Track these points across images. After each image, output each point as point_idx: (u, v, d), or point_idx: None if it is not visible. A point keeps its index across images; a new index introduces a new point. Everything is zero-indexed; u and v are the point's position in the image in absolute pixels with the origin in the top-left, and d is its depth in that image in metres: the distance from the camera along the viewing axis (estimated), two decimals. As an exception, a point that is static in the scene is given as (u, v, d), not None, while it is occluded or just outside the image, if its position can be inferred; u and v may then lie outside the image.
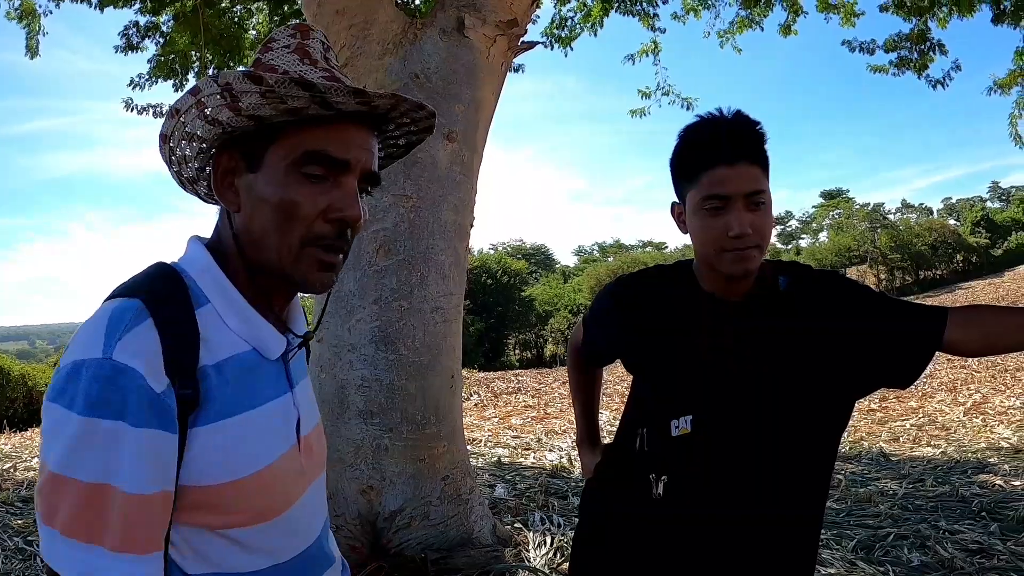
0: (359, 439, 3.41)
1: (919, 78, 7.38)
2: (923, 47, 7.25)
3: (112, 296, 0.88)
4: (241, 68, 0.90)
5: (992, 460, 6.26)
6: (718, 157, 1.34)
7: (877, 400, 10.64)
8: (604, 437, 1.95)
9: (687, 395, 1.45)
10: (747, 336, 1.44)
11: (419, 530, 3.40)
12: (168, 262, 0.95)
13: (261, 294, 0.97)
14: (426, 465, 3.44)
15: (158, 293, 0.87)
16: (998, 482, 5.30)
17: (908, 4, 7.01)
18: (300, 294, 1.07)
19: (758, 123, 1.39)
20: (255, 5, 7.75)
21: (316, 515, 1.07)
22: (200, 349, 0.87)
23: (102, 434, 0.78)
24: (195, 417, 0.86)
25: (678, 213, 1.48)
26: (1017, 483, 5.21)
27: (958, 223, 60.91)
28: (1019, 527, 4.15)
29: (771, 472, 1.43)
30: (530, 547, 3.73)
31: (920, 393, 11.63)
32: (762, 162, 1.38)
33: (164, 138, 0.96)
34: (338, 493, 3.41)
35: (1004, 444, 7.09)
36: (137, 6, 7.20)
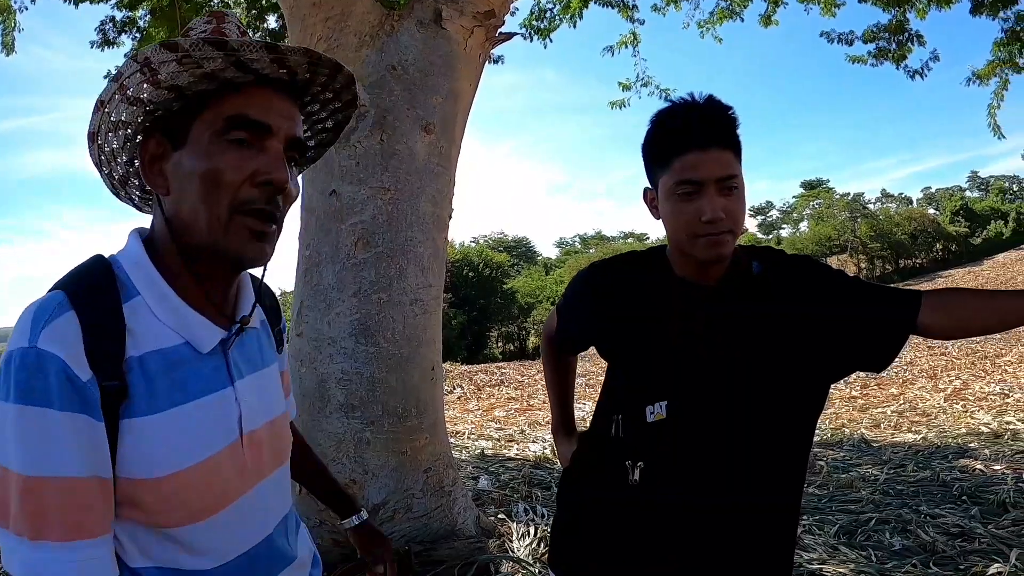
0: (340, 433, 3.39)
1: (897, 69, 7.44)
2: (901, 38, 7.28)
3: (50, 288, 0.89)
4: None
5: (972, 445, 6.34)
6: (690, 142, 1.33)
7: (858, 387, 10.76)
8: (582, 426, 1.95)
9: (661, 381, 1.45)
10: (721, 321, 1.44)
11: (403, 523, 3.39)
12: (106, 255, 0.94)
13: (196, 284, 0.95)
14: (408, 458, 3.43)
15: (83, 286, 0.87)
16: (978, 466, 5.38)
17: (887, -6, 7.06)
18: (250, 280, 1.06)
19: (730, 108, 1.39)
20: (232, -1, 7.68)
21: (267, 513, 1.03)
22: (126, 341, 0.86)
23: (34, 421, 0.80)
24: (124, 408, 0.85)
25: (651, 199, 1.47)
26: (997, 467, 5.28)
27: (937, 212, 61.59)
28: (999, 510, 4.21)
29: (747, 457, 1.43)
30: (514, 538, 3.74)
31: (901, 380, 11.77)
32: (734, 147, 1.37)
33: (92, 136, 0.94)
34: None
35: (984, 429, 7.19)
36: (114, 1, 7.11)
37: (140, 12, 7.39)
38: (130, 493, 0.87)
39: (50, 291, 0.87)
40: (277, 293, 1.17)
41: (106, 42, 7.46)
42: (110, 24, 7.43)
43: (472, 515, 3.73)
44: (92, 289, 0.87)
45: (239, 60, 0.86)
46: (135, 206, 1.07)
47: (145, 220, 1.02)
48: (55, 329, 0.82)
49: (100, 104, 0.91)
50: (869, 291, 1.48)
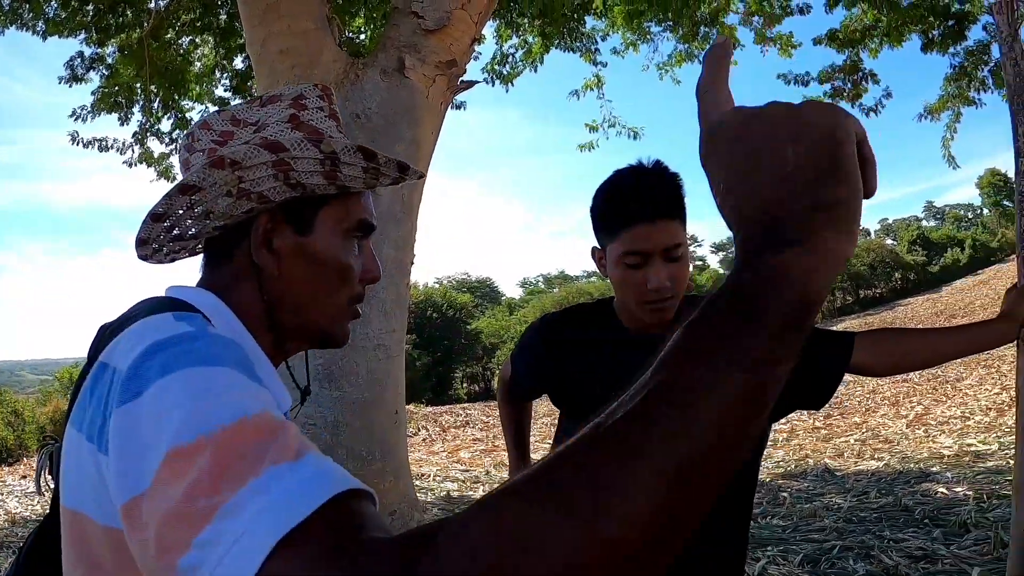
0: (307, 478, 3.39)
1: (853, 107, 7.71)
2: (856, 77, 7.58)
3: (142, 316, 0.76)
4: (277, 115, 0.86)
5: (935, 469, 6.44)
6: (638, 215, 1.39)
7: (822, 418, 10.87)
8: None
9: None
10: None
11: (370, 567, 3.38)
12: (173, 296, 0.87)
13: (276, 357, 0.94)
14: (374, 501, 3.44)
15: (206, 317, 0.80)
16: (941, 490, 5.45)
17: (841, 36, 7.34)
18: None
19: (677, 175, 1.45)
20: (201, 38, 7.73)
21: None
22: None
23: (225, 377, 0.63)
24: None
25: (599, 258, 1.54)
26: (959, 489, 5.36)
27: (895, 242, 62.91)
28: (962, 532, 4.27)
29: None
30: (481, 579, 3.72)
31: (864, 408, 11.94)
32: (680, 215, 1.43)
33: (189, 189, 0.85)
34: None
35: (946, 452, 7.30)
36: (83, 36, 7.13)
37: (109, 49, 7.41)
38: None
39: (171, 312, 0.75)
40: None
41: (74, 78, 7.47)
42: (79, 59, 7.43)
43: (440, 557, 3.73)
44: (223, 324, 0.83)
45: (396, 179, 0.95)
46: (156, 262, 1.01)
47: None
48: (217, 334, 0.72)
49: (232, 163, 0.83)
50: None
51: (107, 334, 0.78)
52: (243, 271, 0.90)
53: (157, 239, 0.93)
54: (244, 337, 0.86)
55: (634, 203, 1.40)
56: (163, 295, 0.87)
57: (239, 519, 0.49)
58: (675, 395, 0.41)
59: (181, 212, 0.88)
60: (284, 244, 0.90)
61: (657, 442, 0.39)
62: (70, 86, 7.54)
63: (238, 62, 7.79)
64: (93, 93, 7.57)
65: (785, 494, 5.71)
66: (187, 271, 1.25)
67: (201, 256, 0.98)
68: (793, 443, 9.07)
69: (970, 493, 5.14)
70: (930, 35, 7.20)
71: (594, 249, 1.56)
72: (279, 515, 0.48)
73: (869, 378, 14.58)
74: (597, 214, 1.50)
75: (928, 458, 7.15)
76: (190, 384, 0.61)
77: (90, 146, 7.70)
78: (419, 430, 13.06)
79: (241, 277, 0.90)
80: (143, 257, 0.98)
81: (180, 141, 0.97)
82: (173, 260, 1.02)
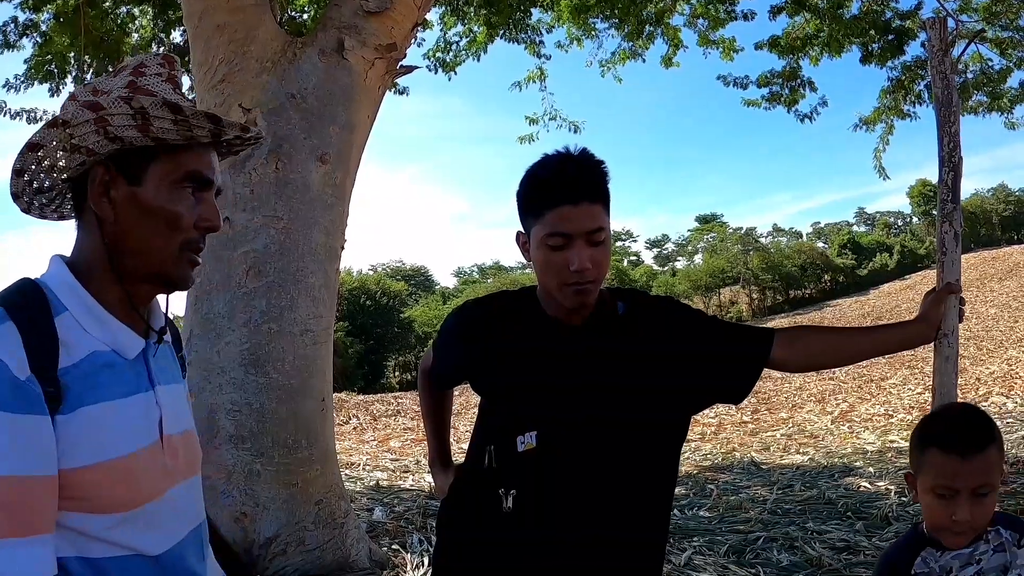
0: (230, 464, 3.30)
1: (788, 112, 7.90)
2: (794, 83, 7.75)
3: None
4: (120, 83, 1.03)
5: (858, 464, 6.67)
6: (562, 197, 1.40)
7: (749, 412, 11.19)
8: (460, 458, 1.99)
9: (531, 412, 1.51)
10: (587, 357, 1.52)
11: (295, 556, 3.32)
12: (32, 278, 1.03)
13: (124, 299, 1.06)
14: (299, 490, 3.37)
15: (17, 302, 0.95)
16: (863, 484, 5.63)
17: (782, 43, 7.50)
18: (158, 303, 1.17)
19: (602, 163, 1.47)
20: (139, 8, 7.46)
21: (183, 517, 1.12)
22: (60, 352, 0.95)
23: None
24: (57, 409, 0.93)
25: (523, 243, 1.54)
26: (881, 484, 5.53)
27: (826, 246, 65.06)
28: (883, 524, 4.42)
29: (612, 488, 1.50)
30: (408, 569, 3.70)
31: (791, 404, 12.32)
32: (604, 200, 1.45)
33: (34, 147, 1.02)
34: (212, 521, 3.28)
35: (869, 448, 7.58)
36: (17, 1, 6.81)
37: (44, 15, 7.10)
38: (65, 482, 0.93)
39: None
40: (171, 316, 1.23)
41: (6, 44, 7.13)
42: (12, 25, 7.10)
43: (365, 547, 3.69)
44: (26, 305, 0.95)
45: (216, 131, 1.05)
46: (48, 218, 1.17)
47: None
48: None
49: (64, 123, 0.99)
50: (726, 329, 1.62)
51: None
52: (91, 222, 1.05)
53: (24, 193, 1.09)
54: (79, 296, 1.01)
55: (559, 185, 1.41)
56: (22, 278, 1.02)
57: None
58: None
59: (34, 167, 1.05)
60: (119, 194, 1.03)
61: None
62: (1, 52, 7.22)
63: (176, 35, 7.55)
64: (26, 61, 7.26)
65: (712, 486, 5.84)
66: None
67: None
68: (721, 436, 9.29)
69: (892, 487, 5.31)
70: (870, 48, 7.40)
71: (519, 234, 1.56)
72: None
73: (796, 375, 15.05)
74: (522, 197, 1.50)
75: (852, 453, 7.41)
76: None
77: (18, 117, 7.36)
78: (350, 419, 12.94)
79: (90, 228, 1.05)
80: (25, 211, 1.13)
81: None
82: (62, 216, 1.16)
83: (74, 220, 1.12)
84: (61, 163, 1.03)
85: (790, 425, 10.07)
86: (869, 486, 5.55)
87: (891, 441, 7.92)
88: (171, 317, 1.28)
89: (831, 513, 4.84)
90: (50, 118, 1.03)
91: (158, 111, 0.99)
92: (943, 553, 1.41)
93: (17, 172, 1.05)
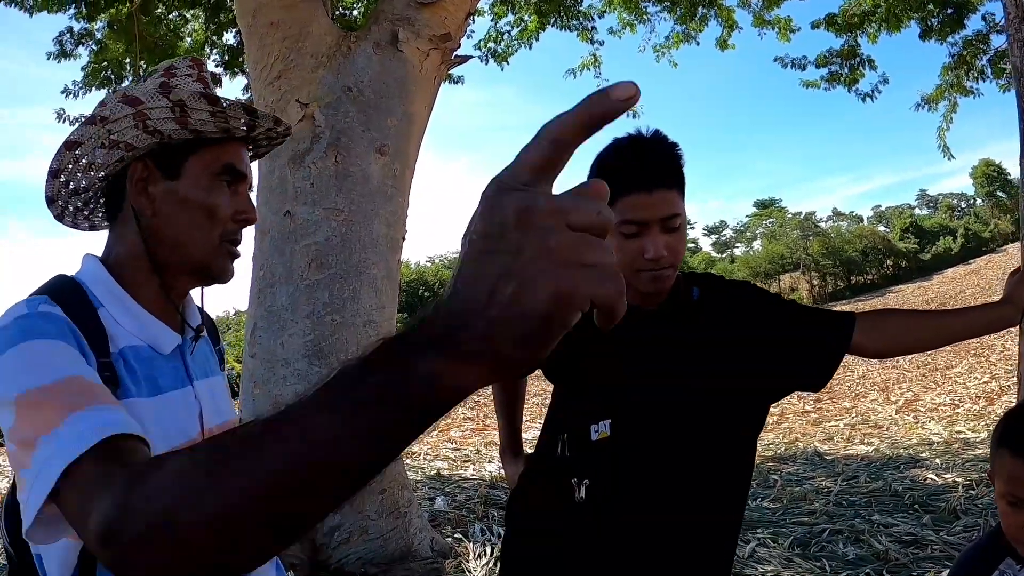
0: (295, 456, 3.36)
1: (849, 92, 7.67)
2: (853, 62, 7.52)
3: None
4: (151, 86, 1.04)
5: (924, 455, 6.49)
6: (636, 184, 1.36)
7: (812, 401, 10.95)
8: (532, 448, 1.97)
9: (605, 400, 1.48)
10: (662, 344, 1.48)
11: (358, 545, 3.37)
12: (67, 274, 1.04)
13: (160, 296, 1.07)
14: (363, 480, 3.41)
15: (60, 293, 0.96)
16: (930, 476, 5.49)
17: (839, 21, 7.28)
18: (193, 298, 1.18)
19: (676, 146, 1.42)
20: (191, 13, 7.63)
21: None
22: (108, 342, 0.96)
23: (47, 346, 0.85)
24: (118, 393, 0.93)
25: None
26: (948, 476, 5.40)
27: (888, 230, 63.13)
28: (951, 518, 4.30)
29: (688, 476, 1.47)
30: (470, 558, 3.72)
31: (854, 393, 12.02)
32: (679, 186, 1.40)
33: (72, 145, 1.02)
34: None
35: (935, 439, 7.36)
36: (72, 11, 7.02)
37: (98, 24, 7.30)
38: None
39: (25, 298, 0.93)
40: (231, 313, 1.23)
41: (63, 53, 7.37)
42: (68, 35, 7.33)
43: (427, 536, 3.72)
44: (70, 297, 0.96)
45: (252, 124, 1.07)
46: (79, 228, 1.18)
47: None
48: (50, 306, 0.91)
49: (102, 119, 1.00)
50: (806, 314, 1.55)
51: None
52: (128, 220, 1.05)
53: (60, 195, 1.09)
54: (114, 293, 1.02)
55: (631, 171, 1.37)
56: (57, 275, 1.04)
57: (43, 453, 0.73)
58: (293, 418, 0.48)
59: (71, 167, 1.05)
60: (157, 189, 1.04)
61: (275, 446, 0.48)
62: (59, 62, 7.44)
63: (228, 37, 7.69)
64: (83, 68, 7.47)
65: (775, 477, 5.74)
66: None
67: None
68: (783, 426, 9.12)
69: (959, 480, 5.17)
70: (929, 22, 7.15)
71: None
72: (64, 454, 0.70)
73: (859, 363, 14.68)
74: None
75: (917, 444, 7.21)
76: (21, 354, 0.84)
77: (76, 122, 7.58)
78: (408, 409, 13.02)
79: (127, 226, 1.06)
80: (58, 217, 1.14)
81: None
82: (93, 226, 1.18)
83: (106, 224, 1.13)
84: (99, 160, 1.03)
85: (853, 415, 9.83)
86: (936, 478, 5.41)
87: (958, 432, 7.67)
88: (205, 311, 1.29)
89: (897, 506, 4.73)
90: (87, 116, 1.01)
91: (196, 103, 1.00)
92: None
93: (53, 173, 1.05)
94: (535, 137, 0.46)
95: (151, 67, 7.36)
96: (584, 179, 1.46)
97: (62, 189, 1.08)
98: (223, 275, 1.10)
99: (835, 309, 1.65)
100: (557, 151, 0.46)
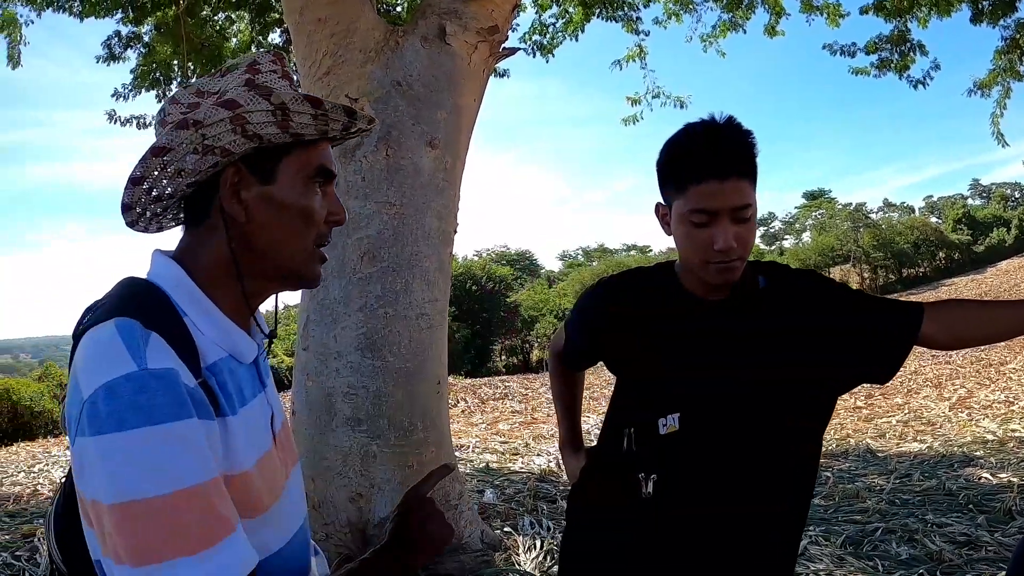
0: (347, 447, 3.40)
1: (900, 79, 7.45)
2: (904, 48, 7.31)
3: (98, 319, 0.89)
4: (234, 82, 1.01)
5: (978, 454, 6.33)
6: (709, 172, 1.32)
7: (863, 397, 10.73)
8: (589, 441, 1.96)
9: (673, 393, 1.46)
10: (730, 335, 1.46)
11: (409, 536, 3.39)
12: (143, 278, 0.99)
13: (241, 303, 1.03)
14: (414, 471, 3.43)
15: (149, 309, 0.91)
16: (984, 475, 5.37)
17: (888, 6, 7.08)
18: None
19: (750, 133, 1.38)
20: (236, 14, 7.74)
21: (297, 508, 1.12)
22: (199, 354, 0.93)
23: (168, 437, 0.80)
24: (217, 411, 0.92)
25: (662, 214, 1.47)
26: (1003, 475, 5.27)
27: (940, 221, 61.40)
28: (1006, 519, 4.20)
29: (759, 467, 1.45)
30: (520, 551, 3.73)
31: (906, 389, 11.75)
32: (751, 175, 1.37)
33: (160, 151, 0.96)
34: (327, 501, 3.40)
35: (989, 437, 7.16)
36: (119, 16, 7.18)
37: (145, 27, 7.46)
38: None
39: (115, 319, 0.87)
40: (281, 307, 1.24)
41: (112, 57, 7.54)
42: (116, 39, 7.50)
43: (478, 529, 3.74)
44: (160, 312, 0.92)
45: (347, 126, 1.04)
46: (148, 231, 1.12)
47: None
48: (156, 347, 0.85)
49: (195, 123, 0.95)
50: (873, 304, 1.51)
51: (87, 318, 0.92)
52: (215, 226, 1.00)
53: (139, 203, 1.02)
54: (197, 300, 0.97)
55: (706, 159, 1.33)
56: (130, 278, 0.99)
57: None
58: None
59: (156, 173, 0.98)
60: (250, 194, 1.00)
61: None
62: (108, 65, 7.60)
63: (274, 37, 7.79)
64: (132, 71, 7.64)
65: (827, 473, 5.64)
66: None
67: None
68: (834, 422, 8.93)
69: (1015, 480, 5.05)
70: (980, 5, 6.92)
71: (658, 205, 1.49)
72: None
73: (912, 358, 14.29)
74: (665, 169, 1.43)
75: (971, 442, 7.03)
76: (136, 448, 0.78)
77: (128, 124, 7.75)
78: (458, 402, 13.16)
79: (213, 232, 1.01)
80: (130, 224, 1.07)
81: (154, 118, 1.06)
82: (160, 229, 1.12)
83: (173, 225, 1.10)
84: (190, 166, 0.97)
85: (906, 411, 9.60)
86: (991, 477, 5.28)
87: (1013, 430, 7.44)
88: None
89: (951, 505, 4.62)
90: (178, 120, 0.96)
91: (298, 106, 0.97)
92: None
93: (135, 180, 0.98)
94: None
95: (199, 68, 7.51)
96: (654, 161, 1.44)
97: (143, 196, 1.01)
98: (315, 279, 1.07)
99: (902, 299, 1.60)
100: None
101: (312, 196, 1.02)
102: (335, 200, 1.06)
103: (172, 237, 1.08)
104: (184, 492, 0.79)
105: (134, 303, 0.91)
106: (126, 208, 1.03)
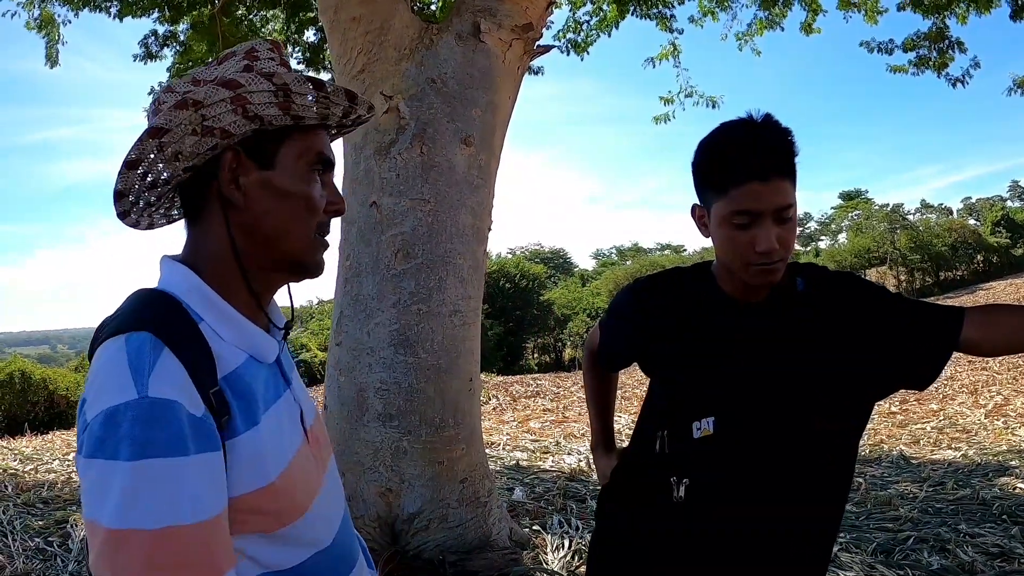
0: (378, 442, 3.43)
1: (939, 77, 7.29)
2: (942, 45, 7.16)
3: (111, 333, 0.87)
4: (233, 68, 0.98)
5: (1014, 463, 6.18)
6: (750, 173, 1.30)
7: (897, 403, 10.53)
8: (620, 442, 1.95)
9: (708, 396, 1.45)
10: (766, 337, 1.44)
11: (437, 532, 3.42)
12: (156, 288, 0.96)
13: (251, 297, 1.00)
14: (444, 468, 3.45)
15: (163, 320, 0.88)
16: (1020, 485, 5.24)
17: (926, 2, 6.94)
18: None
19: (789, 132, 1.35)
20: (271, 12, 7.82)
21: (338, 497, 1.12)
22: (216, 365, 0.90)
23: (158, 474, 0.77)
24: (228, 430, 0.88)
25: (700, 216, 1.45)
26: (1039, 486, 5.14)
27: (978, 223, 60.10)
28: (1041, 531, 4.09)
29: (793, 471, 1.43)
30: (548, 550, 3.73)
31: (941, 395, 11.51)
32: (792, 174, 1.34)
33: (158, 132, 0.92)
34: (357, 495, 3.43)
35: (1025, 447, 7.00)
36: (156, 15, 7.29)
37: (182, 26, 7.57)
38: (251, 505, 0.89)
39: (122, 333, 0.86)
40: (313, 302, 1.23)
41: (149, 55, 7.68)
42: (152, 37, 7.62)
43: (506, 526, 3.74)
44: (174, 323, 0.89)
45: (348, 109, 1.02)
46: (138, 227, 1.08)
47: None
48: (162, 371, 0.82)
49: (195, 103, 0.91)
50: (912, 308, 1.47)
51: (100, 335, 0.89)
52: (214, 217, 0.97)
53: (133, 189, 0.97)
54: (212, 301, 0.94)
55: (747, 160, 1.30)
56: (142, 289, 0.96)
57: None
58: None
59: (152, 156, 0.93)
60: (249, 180, 0.96)
61: None
62: (145, 64, 7.74)
63: (309, 35, 7.86)
64: (168, 70, 7.76)
65: (860, 480, 5.56)
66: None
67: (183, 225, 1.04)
68: (868, 427, 8.78)
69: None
70: (1020, 1, 6.74)
71: (695, 207, 1.46)
72: None
73: (948, 364, 13.94)
74: (703, 170, 1.40)
75: (1007, 451, 6.86)
76: (126, 480, 0.76)
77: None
78: (490, 399, 13.17)
79: (213, 224, 0.97)
80: (121, 215, 1.02)
81: (148, 108, 1.02)
82: (151, 225, 1.08)
83: (164, 222, 1.08)
84: (188, 149, 0.93)
85: (941, 418, 9.41)
86: (1026, 488, 5.14)
87: (1050, 441, 7.26)
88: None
89: (985, 515, 4.51)
90: (178, 99, 0.91)
91: (300, 87, 0.94)
92: None
93: (130, 164, 0.94)
94: None
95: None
96: (687, 161, 1.42)
97: (137, 182, 0.96)
98: (319, 269, 1.04)
99: (942, 304, 1.56)
100: None
101: (312, 183, 1.00)
102: (334, 189, 1.05)
103: (173, 236, 1.07)
104: (165, 531, 0.77)
105: (147, 314, 0.88)
106: (119, 196, 0.98)
